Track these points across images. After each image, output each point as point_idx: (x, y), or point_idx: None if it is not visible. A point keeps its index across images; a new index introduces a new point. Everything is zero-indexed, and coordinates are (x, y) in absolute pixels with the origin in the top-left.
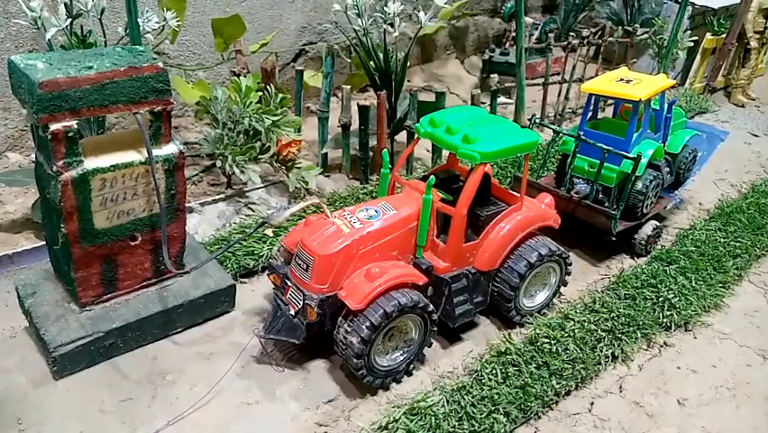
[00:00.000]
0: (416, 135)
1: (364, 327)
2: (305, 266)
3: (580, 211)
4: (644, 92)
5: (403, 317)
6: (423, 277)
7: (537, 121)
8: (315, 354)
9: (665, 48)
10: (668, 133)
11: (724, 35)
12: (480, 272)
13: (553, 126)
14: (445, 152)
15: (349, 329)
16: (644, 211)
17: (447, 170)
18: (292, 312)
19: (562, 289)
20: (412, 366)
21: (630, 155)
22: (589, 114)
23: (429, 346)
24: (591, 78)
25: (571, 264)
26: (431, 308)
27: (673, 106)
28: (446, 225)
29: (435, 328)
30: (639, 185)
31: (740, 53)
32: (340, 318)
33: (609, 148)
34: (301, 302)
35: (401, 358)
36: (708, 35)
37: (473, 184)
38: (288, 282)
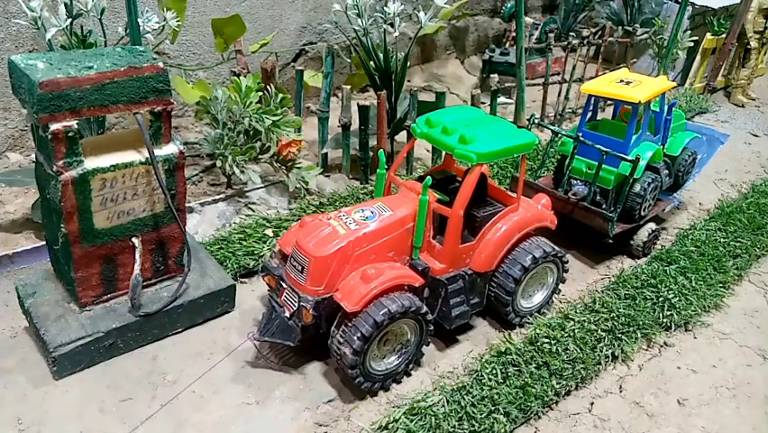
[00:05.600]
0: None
1: (356, 337)
2: (300, 267)
3: (577, 213)
4: (643, 94)
5: (397, 321)
6: (419, 278)
7: (536, 121)
8: (314, 355)
9: (665, 48)
10: (667, 136)
11: (724, 35)
12: (476, 274)
13: (552, 127)
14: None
15: (341, 340)
16: (642, 214)
17: (444, 170)
18: (287, 314)
19: (563, 289)
20: (411, 366)
21: (628, 157)
22: (589, 115)
23: (427, 345)
24: (591, 78)
25: (567, 262)
26: (424, 310)
27: (673, 108)
28: (442, 225)
29: (431, 328)
30: (637, 187)
31: (740, 53)
32: (333, 328)
33: (608, 150)
34: (296, 304)
35: (398, 361)
36: (708, 35)
37: (470, 185)
38: (284, 284)
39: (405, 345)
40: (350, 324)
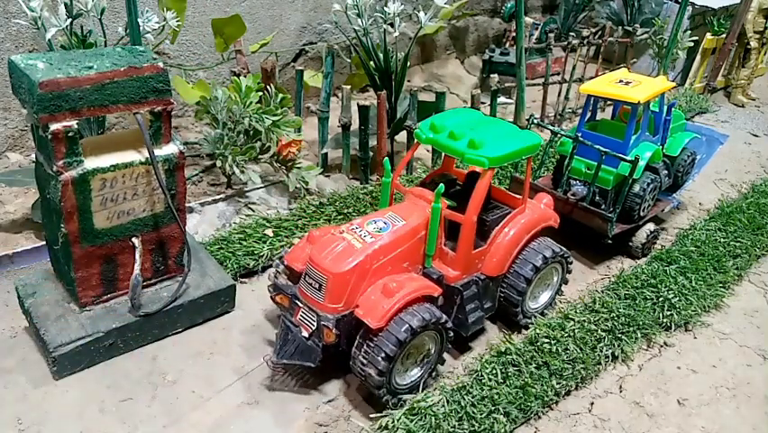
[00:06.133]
0: (415, 141)
1: (380, 358)
2: (317, 285)
3: (576, 213)
4: (643, 94)
5: (419, 335)
6: (438, 288)
7: (536, 121)
8: None
9: (665, 48)
10: (667, 136)
11: (724, 35)
12: (489, 278)
13: (551, 127)
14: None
15: (365, 361)
16: (641, 214)
17: (443, 173)
18: (305, 334)
19: (563, 289)
20: (433, 374)
21: (628, 158)
22: (588, 115)
23: (443, 364)
24: (591, 78)
25: (571, 263)
26: (443, 319)
27: (673, 109)
28: (451, 231)
29: (451, 335)
30: (636, 188)
31: (740, 53)
32: (354, 348)
33: (607, 150)
34: (315, 323)
35: (421, 372)
36: (708, 35)
37: (482, 190)
38: (298, 303)
39: (427, 356)
40: (372, 344)
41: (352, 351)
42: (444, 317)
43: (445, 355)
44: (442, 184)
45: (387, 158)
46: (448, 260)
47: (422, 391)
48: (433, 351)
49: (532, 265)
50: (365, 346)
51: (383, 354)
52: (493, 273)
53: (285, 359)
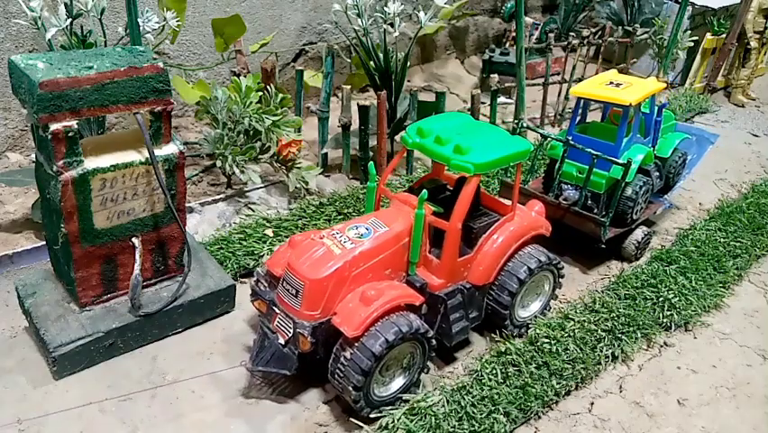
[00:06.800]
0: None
1: (355, 372)
2: (294, 291)
3: (568, 218)
4: (633, 96)
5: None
6: (419, 297)
7: (525, 125)
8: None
9: (665, 48)
10: (658, 137)
11: (724, 35)
12: (474, 287)
13: (542, 130)
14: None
15: (341, 374)
16: (634, 217)
17: (433, 179)
18: (281, 341)
19: (563, 289)
20: (412, 388)
21: (620, 161)
22: (578, 118)
23: (426, 372)
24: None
25: (562, 269)
26: (424, 329)
27: (663, 110)
28: (437, 238)
29: (434, 344)
30: (629, 191)
31: (740, 53)
32: (331, 361)
33: (599, 153)
34: (291, 331)
35: (403, 382)
36: (708, 35)
37: (467, 197)
38: (275, 309)
39: (407, 368)
40: (348, 357)
41: (329, 362)
42: (425, 327)
43: (445, 355)
44: (425, 190)
45: (372, 162)
46: (432, 267)
47: (422, 392)
48: (414, 361)
49: (516, 278)
50: (341, 359)
51: (358, 369)
52: (479, 282)
53: (261, 366)
